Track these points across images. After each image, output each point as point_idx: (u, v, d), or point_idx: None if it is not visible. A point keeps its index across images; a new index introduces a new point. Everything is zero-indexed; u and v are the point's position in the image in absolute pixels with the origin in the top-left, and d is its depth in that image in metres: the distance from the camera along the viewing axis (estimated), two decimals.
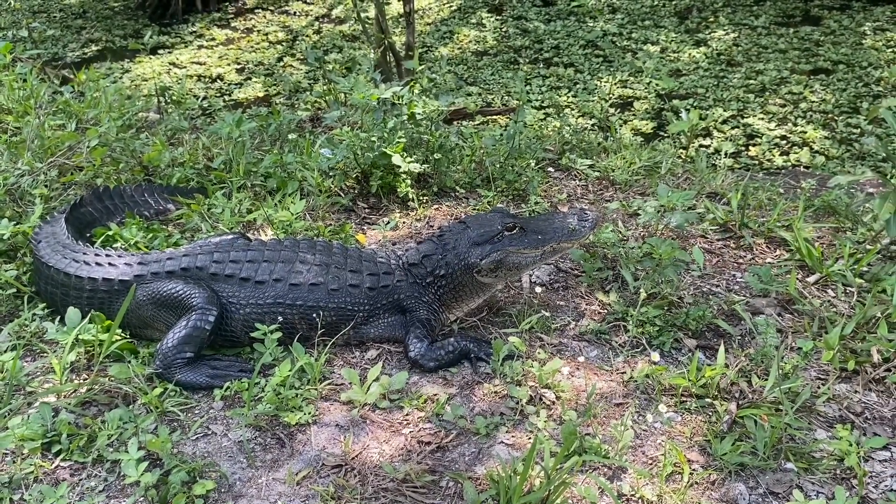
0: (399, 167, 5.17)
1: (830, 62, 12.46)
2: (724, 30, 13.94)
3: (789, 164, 9.56)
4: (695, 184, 5.76)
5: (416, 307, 3.90)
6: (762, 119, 10.93)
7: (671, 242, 4.16)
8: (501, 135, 5.84)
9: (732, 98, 11.56)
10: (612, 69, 12.60)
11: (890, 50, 12.84)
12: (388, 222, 5.01)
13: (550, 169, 6.11)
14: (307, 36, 14.29)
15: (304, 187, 5.33)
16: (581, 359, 3.79)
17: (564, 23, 14.58)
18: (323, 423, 3.39)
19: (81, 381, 3.57)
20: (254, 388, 3.52)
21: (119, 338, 3.72)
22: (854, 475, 3.08)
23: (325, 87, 7.60)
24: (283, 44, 13.91)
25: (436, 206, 5.40)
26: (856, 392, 3.52)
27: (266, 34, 14.40)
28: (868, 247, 4.61)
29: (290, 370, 3.49)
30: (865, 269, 4.43)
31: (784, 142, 10.34)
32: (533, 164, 5.70)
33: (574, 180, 5.97)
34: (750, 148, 9.94)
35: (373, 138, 5.11)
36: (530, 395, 3.49)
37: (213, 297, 3.74)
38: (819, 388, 3.52)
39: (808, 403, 3.39)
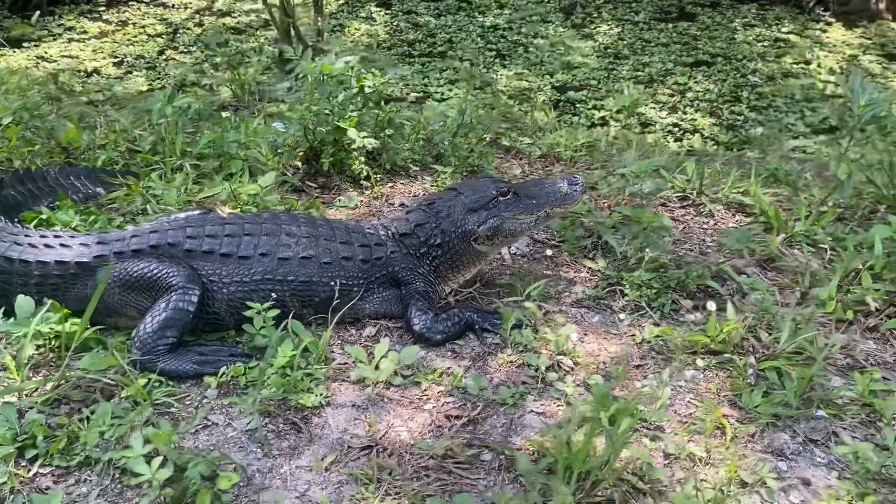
0: (353, 142, 4.89)
1: (709, 55, 13.08)
2: (608, 24, 14.37)
3: (684, 149, 9.94)
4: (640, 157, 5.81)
5: (413, 279, 3.66)
6: (654, 108, 11.31)
7: (648, 210, 4.13)
8: (449, 113, 5.66)
9: (623, 89, 11.91)
10: (506, 63, 12.73)
11: (759, 44, 13.65)
12: (352, 199, 4.73)
13: (492, 147, 5.99)
14: (189, 29, 13.55)
15: (248, 166, 4.94)
16: (595, 319, 3.68)
17: (455, 17, 14.57)
18: (337, 404, 3.10)
19: (46, 377, 3.09)
20: (251, 371, 3.18)
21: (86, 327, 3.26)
22: (880, 418, 3.12)
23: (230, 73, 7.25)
24: (164, 37, 13.12)
25: (390, 185, 5.15)
26: (855, 340, 3.59)
27: (143, 27, 13.54)
28: (821, 209, 4.76)
29: (292, 350, 3.16)
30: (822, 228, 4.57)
31: (676, 129, 10.74)
32: (484, 141, 5.56)
33: (517, 158, 5.88)
34: (646, 136, 10.24)
35: (326, 112, 4.80)
36: (549, 363, 3.34)
37: (194, 274, 3.35)
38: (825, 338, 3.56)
39: (827, 354, 3.42)
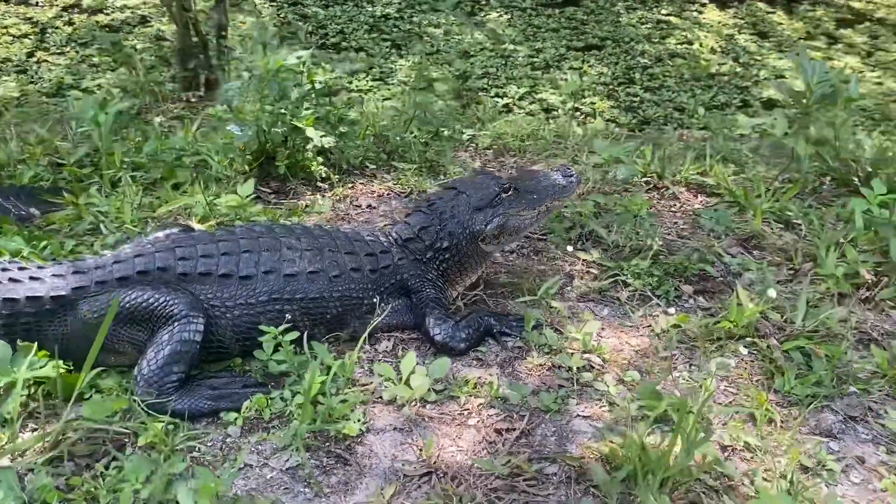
0: (309, 143, 4.60)
1: (598, 39, 13.38)
2: (497, 12, 14.42)
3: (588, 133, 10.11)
4: (585, 145, 5.81)
5: (422, 287, 3.45)
6: (553, 94, 11.46)
7: (639, 197, 4.10)
8: (400, 107, 5.45)
9: (522, 76, 12.00)
10: (402, 53, 12.55)
11: (644, 26, 14.09)
12: (323, 204, 4.44)
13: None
14: (58, 28, 12.51)
15: (200, 175, 4.54)
16: (605, 312, 3.59)
17: (343, 7, 14.20)
18: (377, 429, 2.86)
19: (41, 432, 2.68)
20: (274, 403, 2.89)
21: (63, 369, 2.86)
22: None
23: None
24: (31, 37, 12.06)
25: (349, 185, 4.88)
26: (853, 313, 3.69)
27: (5, 27, 12.39)
28: (778, 186, 4.90)
29: (321, 376, 2.89)
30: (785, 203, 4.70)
31: (578, 113, 10.93)
32: (442, 134, 5.38)
33: (466, 151, 5.74)
34: (550, 121, 10.35)
35: (282, 111, 4.47)
36: (581, 363, 3.23)
37: (196, 300, 3.01)
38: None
39: (840, 329, 3.48)
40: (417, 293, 3.42)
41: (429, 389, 3.03)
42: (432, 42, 13.00)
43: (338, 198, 4.70)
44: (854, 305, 3.72)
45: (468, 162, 5.38)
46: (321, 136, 4.60)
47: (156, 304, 2.96)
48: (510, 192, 3.61)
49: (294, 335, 3.04)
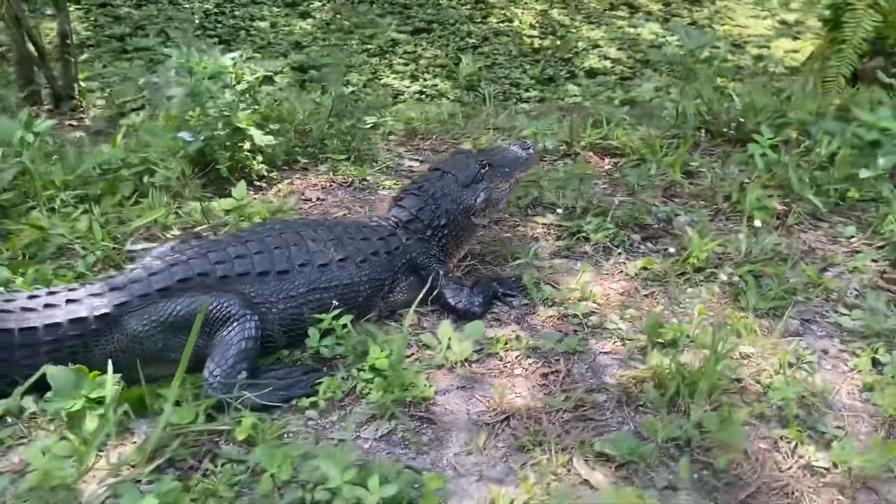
0: (250, 141, 4.68)
1: (425, 22, 13.88)
2: (320, 1, 14.50)
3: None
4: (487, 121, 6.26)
5: (429, 263, 3.71)
6: (396, 78, 11.84)
7: (581, 162, 4.60)
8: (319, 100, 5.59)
9: (362, 63, 12.26)
10: (231, 48, 12.34)
11: (464, 7, 14.76)
12: (287, 199, 4.54)
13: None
14: None
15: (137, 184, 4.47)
16: (578, 266, 4.05)
17: (157, 5, 13.67)
18: (442, 390, 3.13)
19: (140, 444, 2.70)
20: (344, 383, 3.09)
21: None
22: (831, 293, 3.92)
23: None
24: None
25: (289, 181, 4.98)
26: (781, 237, 4.37)
27: None
28: (670, 142, 5.60)
29: (381, 352, 3.11)
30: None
31: (424, 96, 11.40)
32: (364, 124, 5.59)
33: (383, 139, 5.98)
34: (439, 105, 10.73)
35: (226, 113, 4.51)
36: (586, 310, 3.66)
37: (247, 299, 3.11)
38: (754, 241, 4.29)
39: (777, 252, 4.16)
40: (426, 269, 3.69)
41: (472, 351, 3.34)
42: (261, 35, 12.89)
43: (283, 194, 4.80)
44: (774, 232, 4.42)
45: (393, 149, 5.63)
46: (263, 135, 4.68)
47: (212, 307, 3.03)
48: (487, 168, 3.95)
49: (347, 318, 3.22)
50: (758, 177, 4.74)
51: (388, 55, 12.65)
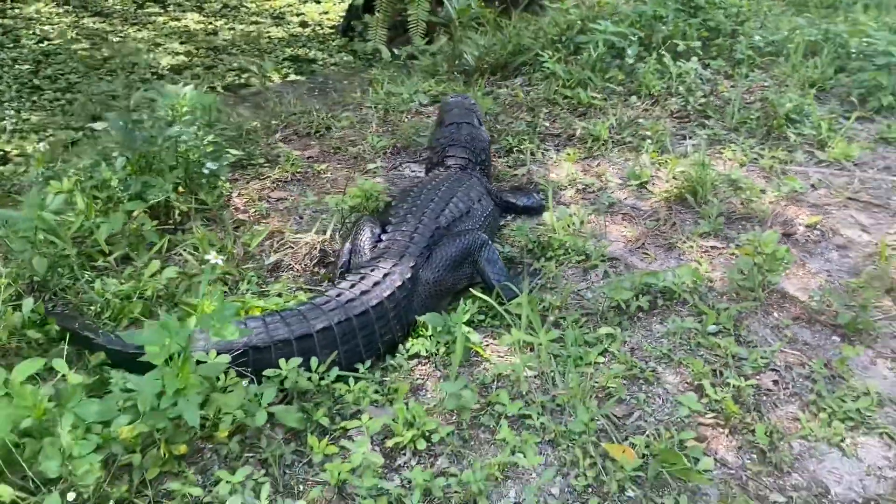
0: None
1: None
2: None
3: None
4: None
5: (488, 183, 5.08)
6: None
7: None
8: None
9: None
10: None
11: None
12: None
13: None
14: None
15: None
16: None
17: None
18: None
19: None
20: None
21: None
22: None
23: None
24: None
25: (244, 188, 5.51)
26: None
27: None
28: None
29: None
30: None
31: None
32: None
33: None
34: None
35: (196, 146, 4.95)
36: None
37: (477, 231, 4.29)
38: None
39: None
40: (492, 193, 4.98)
41: None
42: None
43: (251, 199, 5.30)
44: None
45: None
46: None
47: (469, 244, 4.11)
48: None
49: None
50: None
51: None
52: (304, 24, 14.84)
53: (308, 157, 6.00)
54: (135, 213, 4.59)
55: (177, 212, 4.90)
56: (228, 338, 2.80)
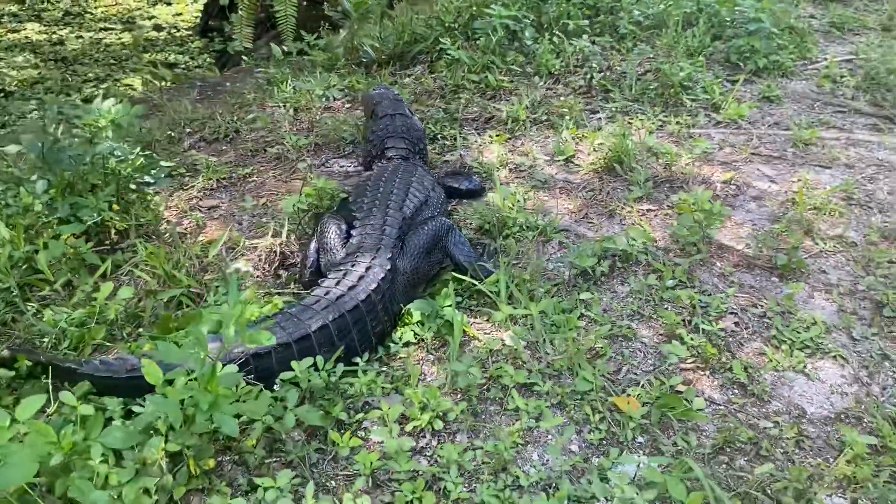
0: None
1: None
2: None
3: None
4: None
5: (430, 170, 5.21)
6: None
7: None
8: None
9: None
10: None
11: None
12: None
13: None
14: None
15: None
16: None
17: None
18: None
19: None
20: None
21: None
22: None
23: None
24: None
25: (171, 199, 5.38)
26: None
27: None
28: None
29: None
30: None
31: None
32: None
33: None
34: None
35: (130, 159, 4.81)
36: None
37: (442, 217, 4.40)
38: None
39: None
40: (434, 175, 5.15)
41: None
42: None
43: (183, 210, 5.21)
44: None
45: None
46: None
47: (438, 228, 4.23)
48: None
49: None
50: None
51: None
52: (158, 28, 14.34)
53: (226, 163, 5.87)
54: (65, 237, 4.37)
55: (112, 231, 4.71)
56: (265, 343, 2.79)
